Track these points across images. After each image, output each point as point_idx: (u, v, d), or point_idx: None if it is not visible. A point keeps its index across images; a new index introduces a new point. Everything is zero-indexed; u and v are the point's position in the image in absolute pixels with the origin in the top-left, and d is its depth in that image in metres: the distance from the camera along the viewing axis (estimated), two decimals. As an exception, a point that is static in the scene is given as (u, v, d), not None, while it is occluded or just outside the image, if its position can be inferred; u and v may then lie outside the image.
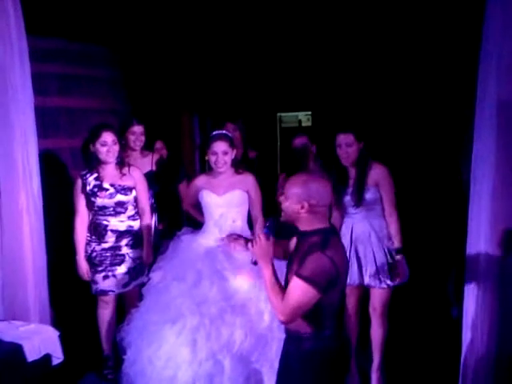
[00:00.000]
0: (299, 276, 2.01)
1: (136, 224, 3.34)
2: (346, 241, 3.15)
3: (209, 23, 4.84)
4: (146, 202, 3.38)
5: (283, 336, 2.33)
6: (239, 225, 3.18)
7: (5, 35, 3.18)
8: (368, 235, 3.12)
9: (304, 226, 2.13)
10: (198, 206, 3.31)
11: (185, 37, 4.91)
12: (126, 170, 3.33)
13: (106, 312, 3.34)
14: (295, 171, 3.70)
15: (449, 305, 3.96)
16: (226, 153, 3.14)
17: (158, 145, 4.20)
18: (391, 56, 4.95)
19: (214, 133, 3.22)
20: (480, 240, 2.86)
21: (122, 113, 4.19)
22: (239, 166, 3.27)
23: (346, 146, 3.09)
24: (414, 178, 4.21)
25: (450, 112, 4.57)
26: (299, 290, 2.01)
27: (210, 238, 3.15)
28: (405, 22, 4.57)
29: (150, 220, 3.46)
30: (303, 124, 6.99)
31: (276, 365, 2.42)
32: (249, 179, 3.22)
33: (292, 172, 3.73)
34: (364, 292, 3.28)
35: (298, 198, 2.10)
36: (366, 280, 3.15)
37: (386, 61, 5.00)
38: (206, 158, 3.34)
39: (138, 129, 3.69)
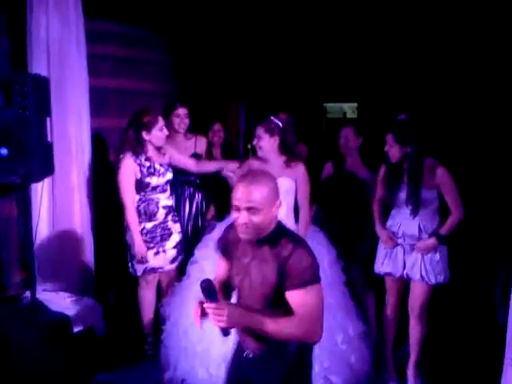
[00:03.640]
0: (304, 285, 1.78)
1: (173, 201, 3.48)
2: (392, 234, 3.13)
3: (258, 13, 4.84)
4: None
5: None
6: (284, 212, 3.19)
7: (63, 16, 3.29)
8: (418, 232, 3.05)
9: (272, 227, 1.88)
10: None
11: (235, 24, 4.92)
12: (163, 149, 3.39)
13: (147, 292, 3.40)
14: (339, 162, 3.74)
15: (495, 308, 3.84)
16: (260, 137, 3.17)
17: (217, 127, 4.25)
18: (448, 49, 4.79)
19: None
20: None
21: (171, 96, 4.25)
22: (293, 154, 3.25)
23: (389, 146, 3.07)
24: (465, 179, 4.05)
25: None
26: (314, 297, 1.79)
27: None
28: (462, 16, 4.42)
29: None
30: (348, 116, 6.90)
31: None
32: (298, 168, 3.22)
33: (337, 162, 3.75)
34: (405, 289, 3.22)
35: (272, 198, 1.85)
36: (409, 272, 3.09)
37: (441, 55, 4.85)
38: (249, 145, 3.35)
39: (182, 111, 3.72)
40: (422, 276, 3.05)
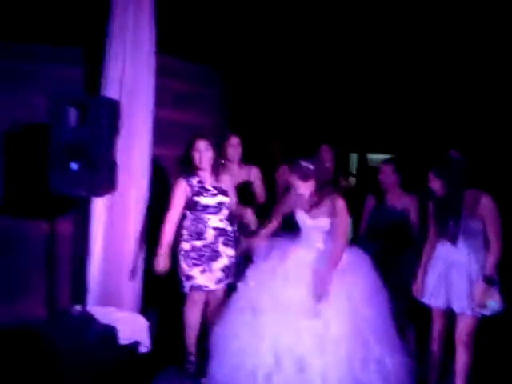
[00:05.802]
0: None
1: (229, 225, 3.57)
2: (440, 263, 3.18)
3: (307, 60, 5.14)
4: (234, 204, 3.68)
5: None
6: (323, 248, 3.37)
7: (138, 50, 3.59)
8: (467, 262, 3.09)
9: None
10: None
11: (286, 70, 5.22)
12: (220, 175, 3.58)
13: (193, 312, 3.47)
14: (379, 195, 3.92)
15: None
16: (296, 187, 3.33)
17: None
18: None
19: None
20: None
21: (223, 130, 4.49)
22: (329, 189, 3.36)
23: (432, 182, 3.18)
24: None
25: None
26: None
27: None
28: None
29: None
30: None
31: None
32: (336, 203, 3.30)
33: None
34: (451, 319, 3.20)
35: None
36: (455, 305, 3.10)
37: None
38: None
39: (234, 140, 3.97)
40: (469, 308, 3.06)
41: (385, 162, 3.99)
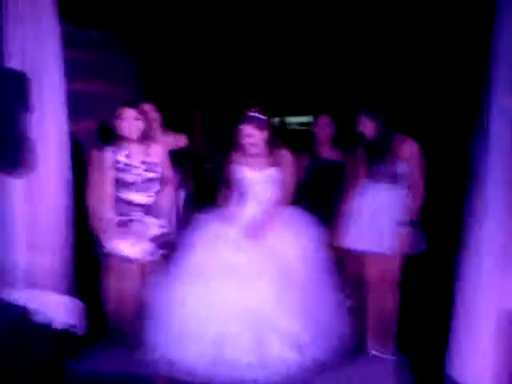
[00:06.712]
0: None
1: (159, 198, 3.46)
2: (367, 208, 3.27)
3: (223, 24, 5.07)
4: (167, 175, 3.52)
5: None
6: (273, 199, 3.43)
7: (36, 22, 3.32)
8: (391, 205, 3.21)
9: None
10: None
11: (199, 34, 5.11)
12: (151, 147, 3.42)
13: (124, 284, 3.36)
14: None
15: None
16: (250, 135, 3.29)
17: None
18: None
19: None
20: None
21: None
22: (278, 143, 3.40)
23: (362, 124, 3.26)
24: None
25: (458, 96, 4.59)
26: None
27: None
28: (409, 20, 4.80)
29: (172, 190, 3.60)
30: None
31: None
32: (284, 154, 3.40)
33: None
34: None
35: None
36: (382, 247, 3.21)
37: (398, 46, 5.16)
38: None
39: (147, 107, 3.76)
40: (391, 249, 3.19)
41: (320, 114, 3.99)
